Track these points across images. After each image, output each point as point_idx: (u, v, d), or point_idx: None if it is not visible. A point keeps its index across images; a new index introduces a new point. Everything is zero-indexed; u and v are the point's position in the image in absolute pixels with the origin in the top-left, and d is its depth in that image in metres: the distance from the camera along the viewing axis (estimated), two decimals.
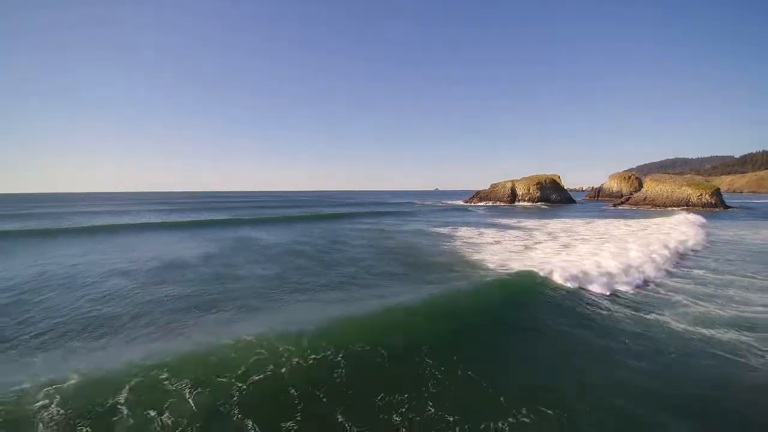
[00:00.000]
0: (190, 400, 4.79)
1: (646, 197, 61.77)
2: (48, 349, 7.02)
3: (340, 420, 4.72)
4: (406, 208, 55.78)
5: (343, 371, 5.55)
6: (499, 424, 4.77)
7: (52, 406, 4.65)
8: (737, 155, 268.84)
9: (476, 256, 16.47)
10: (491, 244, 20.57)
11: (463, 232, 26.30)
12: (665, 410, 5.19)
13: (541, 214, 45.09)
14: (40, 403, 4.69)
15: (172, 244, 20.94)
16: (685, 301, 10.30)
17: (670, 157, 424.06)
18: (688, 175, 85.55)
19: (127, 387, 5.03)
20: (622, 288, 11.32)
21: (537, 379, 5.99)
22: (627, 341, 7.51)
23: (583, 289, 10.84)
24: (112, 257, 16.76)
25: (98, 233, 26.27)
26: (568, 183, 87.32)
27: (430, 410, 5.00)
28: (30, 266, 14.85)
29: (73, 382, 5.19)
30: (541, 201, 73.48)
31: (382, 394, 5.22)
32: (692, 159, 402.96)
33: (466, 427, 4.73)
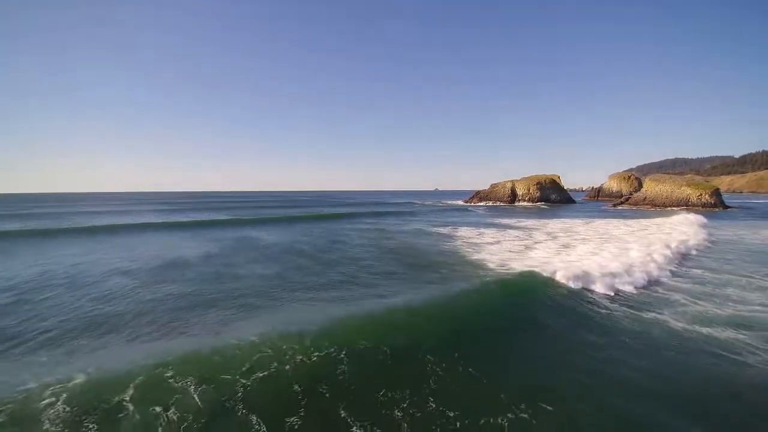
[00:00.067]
0: (195, 396, 4.87)
1: (645, 197, 61.87)
2: (52, 349, 7.08)
3: (342, 415, 4.81)
4: (406, 208, 55.86)
5: (346, 368, 5.64)
6: (499, 420, 4.85)
7: (59, 404, 4.71)
8: (737, 155, 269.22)
9: (476, 256, 16.57)
10: (491, 243, 20.67)
11: (463, 232, 26.39)
12: (662, 407, 5.28)
13: (540, 214, 45.18)
14: (47, 401, 4.75)
15: (173, 244, 21.02)
16: (684, 301, 10.39)
17: (670, 157, 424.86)
18: (688, 176, 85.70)
19: (133, 385, 5.10)
20: (622, 288, 11.38)
21: (537, 377, 6.08)
22: (626, 340, 7.59)
23: (583, 288, 10.92)
24: (113, 257, 16.84)
25: (99, 233, 26.34)
26: (568, 183, 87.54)
27: (431, 406, 5.09)
28: (31, 266, 14.92)
29: (78, 381, 5.26)
30: (540, 201, 73.59)
31: (383, 390, 5.31)
32: (692, 159, 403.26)
33: (466, 422, 4.82)
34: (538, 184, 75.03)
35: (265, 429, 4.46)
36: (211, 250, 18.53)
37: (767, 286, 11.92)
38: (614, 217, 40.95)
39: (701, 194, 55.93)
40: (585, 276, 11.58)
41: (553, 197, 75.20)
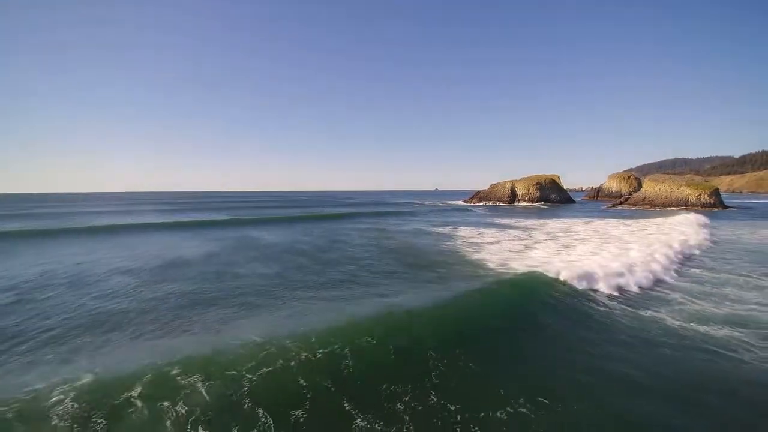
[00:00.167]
0: (202, 391, 4.99)
1: (645, 197, 62.01)
2: (57, 347, 7.15)
3: (347, 408, 4.95)
4: (406, 208, 55.99)
5: (350, 363, 5.77)
6: (498, 415, 4.98)
7: (67, 401, 4.78)
8: (737, 155, 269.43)
9: (476, 256, 16.69)
10: (491, 243, 20.78)
11: (463, 231, 26.51)
12: (660, 404, 5.38)
13: (540, 214, 45.31)
14: (55, 399, 4.82)
15: (174, 244, 21.13)
16: (682, 299, 10.51)
17: (670, 158, 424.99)
18: (688, 176, 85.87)
19: (139, 381, 5.19)
20: (622, 287, 11.44)
21: (536, 374, 6.20)
22: (625, 338, 7.69)
23: (583, 288, 11.01)
24: (115, 256, 16.94)
25: (99, 233, 26.41)
26: (568, 183, 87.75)
27: (432, 400, 5.23)
28: (33, 266, 15.00)
29: (84, 378, 5.35)
30: (540, 201, 73.74)
31: (386, 385, 5.44)
32: (692, 159, 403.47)
33: (466, 416, 4.95)
34: (537, 184, 75.18)
35: (271, 422, 4.58)
36: (212, 250, 18.64)
37: (764, 285, 12.05)
38: (614, 217, 41.09)
39: (700, 194, 56.08)
40: (585, 276, 11.68)
41: (552, 197, 75.36)
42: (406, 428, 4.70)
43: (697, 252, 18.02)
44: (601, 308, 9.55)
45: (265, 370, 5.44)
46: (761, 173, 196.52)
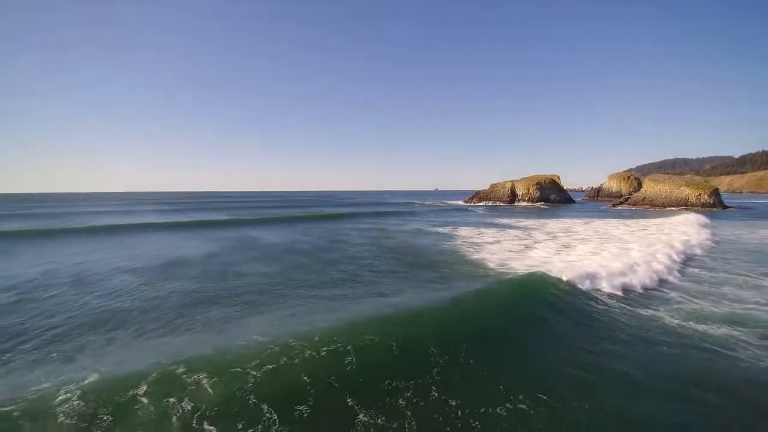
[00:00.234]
0: (207, 388, 5.07)
1: (645, 197, 62.11)
2: (63, 347, 7.20)
3: (350, 403, 5.04)
4: (406, 208, 56.09)
5: (353, 359, 5.85)
6: (498, 410, 5.08)
7: (74, 399, 4.83)
8: (737, 155, 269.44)
9: (476, 255, 16.77)
10: (491, 243, 20.87)
11: (463, 231, 26.60)
12: (658, 401, 5.47)
13: (540, 214, 45.42)
14: (62, 397, 4.87)
15: (175, 244, 21.21)
16: (681, 299, 10.61)
17: (670, 158, 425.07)
18: (688, 176, 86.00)
19: (144, 379, 5.25)
20: (622, 287, 11.47)
21: (536, 371, 6.28)
22: (625, 337, 7.76)
23: (583, 287, 11.02)
24: (116, 256, 17.02)
25: (100, 233, 26.49)
26: (568, 183, 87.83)
27: (434, 395, 5.33)
28: (34, 265, 15.06)
29: (90, 376, 5.41)
30: (540, 201, 73.84)
31: (388, 381, 5.53)
32: (692, 159, 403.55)
33: (467, 411, 5.04)
34: (537, 184, 75.28)
35: (276, 417, 4.67)
36: (212, 250, 18.73)
37: (763, 284, 12.13)
38: (613, 217, 41.18)
39: (700, 194, 56.18)
40: (585, 275, 11.71)
41: (552, 197, 75.46)
42: (408, 423, 4.79)
43: (698, 252, 18.03)
44: (601, 307, 9.63)
45: (269, 367, 5.52)
46: (761, 173, 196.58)
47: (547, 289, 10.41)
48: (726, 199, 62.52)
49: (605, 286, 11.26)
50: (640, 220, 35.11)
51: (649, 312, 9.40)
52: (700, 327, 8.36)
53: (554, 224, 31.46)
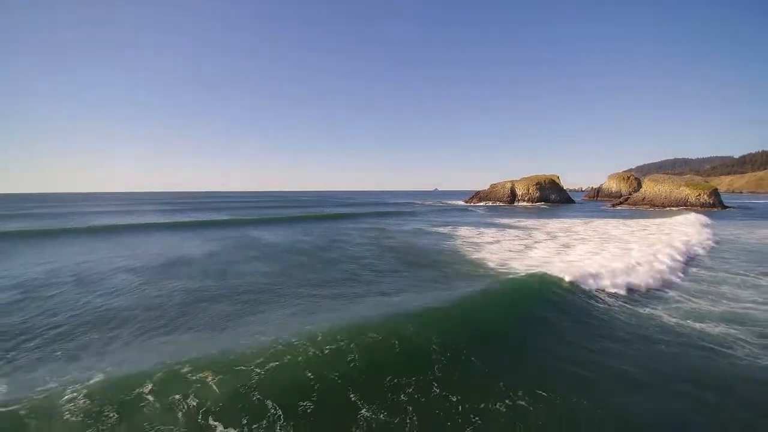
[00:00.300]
0: (212, 385, 5.16)
1: (644, 197, 62.21)
2: (68, 346, 7.23)
3: (353, 399, 5.14)
4: (406, 209, 56.17)
5: (356, 356, 5.96)
6: (497, 406, 5.18)
7: (80, 397, 4.91)
8: (737, 155, 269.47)
9: (477, 255, 16.85)
10: (491, 243, 20.95)
11: (464, 231, 26.68)
12: (656, 399, 5.55)
13: (540, 214, 45.50)
14: (68, 396, 4.93)
15: (176, 244, 21.29)
16: (679, 298, 10.68)
17: (670, 158, 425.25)
18: (687, 176, 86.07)
19: (151, 377, 5.33)
20: (622, 286, 11.49)
21: (536, 369, 6.37)
22: (624, 335, 7.83)
23: (583, 287, 11.04)
24: (118, 256, 17.08)
25: (101, 233, 26.53)
26: (568, 183, 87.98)
27: (435, 391, 5.43)
28: (36, 265, 15.09)
29: (95, 374, 5.50)
30: (540, 201, 73.93)
31: (390, 377, 5.63)
32: (692, 159, 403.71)
33: (467, 406, 5.14)
34: (537, 184, 75.37)
35: (280, 413, 4.76)
36: (213, 250, 18.81)
37: (761, 284, 12.21)
38: (613, 217, 41.26)
39: (700, 194, 56.27)
40: (586, 275, 11.75)
41: (552, 197, 75.56)
42: (410, 418, 4.88)
43: (698, 251, 18.01)
44: (601, 306, 9.71)
45: (272, 364, 5.61)
46: (761, 173, 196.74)
47: (546, 288, 10.49)
48: (726, 199, 62.62)
49: (605, 286, 11.30)
50: (640, 220, 35.20)
51: (649, 311, 9.48)
52: (699, 326, 8.44)
53: (554, 224, 31.55)
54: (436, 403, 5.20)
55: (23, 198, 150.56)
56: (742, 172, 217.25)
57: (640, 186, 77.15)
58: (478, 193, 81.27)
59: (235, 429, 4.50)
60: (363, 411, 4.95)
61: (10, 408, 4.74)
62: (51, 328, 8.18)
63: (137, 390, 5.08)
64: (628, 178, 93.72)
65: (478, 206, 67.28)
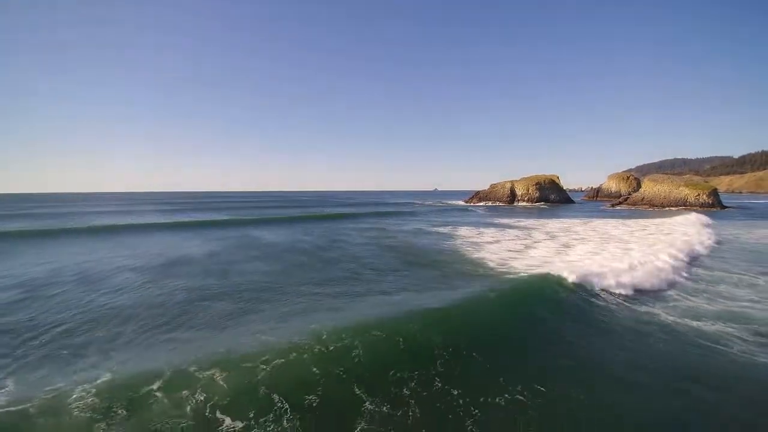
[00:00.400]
0: (219, 381, 5.30)
1: (644, 197, 62.36)
2: (74, 346, 7.27)
3: (357, 393, 5.30)
4: (406, 209, 56.29)
5: (360, 352, 6.13)
6: (497, 400, 5.34)
7: (88, 395, 5.01)
8: (736, 155, 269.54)
9: (476, 255, 16.97)
10: (491, 243, 21.06)
11: (464, 231, 26.80)
12: (654, 396, 5.67)
13: (540, 214, 45.63)
14: (77, 395, 5.03)
15: (177, 243, 21.38)
16: (678, 297, 10.81)
17: (670, 158, 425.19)
18: (687, 176, 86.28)
19: (159, 374, 5.46)
20: (620, 286, 11.53)
21: (536, 365, 6.53)
22: (624, 334, 7.98)
23: (583, 286, 11.12)
24: (118, 256, 17.14)
25: (102, 233, 26.58)
26: (568, 183, 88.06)
27: (437, 385, 5.59)
28: (37, 265, 15.12)
29: (103, 372, 5.62)
30: (540, 201, 74.08)
31: (393, 371, 5.79)
32: (691, 159, 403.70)
33: (468, 399, 5.30)
34: (537, 184, 75.52)
35: (287, 406, 4.91)
36: (214, 249, 18.91)
37: (758, 283, 12.35)
38: (612, 217, 41.38)
39: (699, 194, 56.43)
40: (585, 275, 11.81)
41: (552, 197, 75.71)
42: (412, 411, 5.04)
43: (698, 251, 17.99)
44: (600, 305, 9.83)
45: (279, 361, 5.76)
46: (761, 173, 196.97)
47: (546, 287, 10.61)
48: (725, 200, 62.79)
49: (605, 286, 11.36)
50: (639, 220, 35.34)
51: (648, 309, 9.61)
52: (696, 324, 8.57)
53: (554, 224, 31.68)
54: (438, 397, 5.36)
55: (23, 198, 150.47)
56: (742, 173, 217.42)
57: (639, 186, 77.27)
58: (478, 193, 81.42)
59: (243, 422, 4.64)
60: (367, 404, 5.10)
61: (21, 407, 4.82)
62: (56, 326, 8.26)
63: (146, 387, 5.19)
64: (628, 178, 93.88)
65: (478, 206, 67.43)
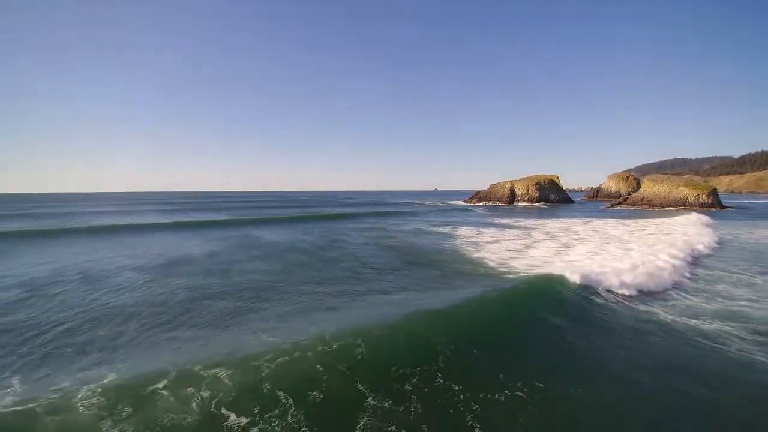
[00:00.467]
0: (224, 378, 5.39)
1: (643, 197, 62.47)
2: (78, 344, 7.33)
3: (360, 388, 5.41)
4: (406, 209, 56.40)
5: (363, 350, 6.24)
6: (496, 396, 5.45)
7: (95, 396, 5.04)
8: (736, 156, 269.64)
9: (476, 254, 17.07)
10: (491, 243, 21.15)
11: (463, 231, 26.90)
12: (653, 394, 5.75)
13: (539, 214, 45.74)
14: (83, 394, 5.07)
15: (177, 243, 21.47)
16: (677, 296, 10.89)
17: (669, 158, 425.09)
18: (687, 176, 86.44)
19: (163, 373, 5.52)
20: (620, 286, 11.54)
21: (535, 363, 6.61)
22: (623, 333, 8.07)
23: (582, 286, 11.15)
24: (118, 256, 17.21)
25: (102, 233, 26.62)
26: (568, 183, 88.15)
27: (438, 381, 5.71)
28: (37, 265, 15.16)
29: (112, 375, 5.63)
30: (540, 201, 74.18)
31: (396, 368, 5.90)
32: (691, 159, 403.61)
33: (468, 395, 5.41)
34: (537, 184, 75.63)
35: (291, 402, 5.02)
36: (215, 249, 19.00)
37: (756, 282, 12.43)
38: (612, 217, 41.47)
39: (698, 194, 56.55)
40: (585, 275, 11.83)
41: (552, 197, 75.82)
42: (414, 406, 5.14)
43: (699, 251, 18.00)
44: (601, 304, 9.90)
45: (282, 359, 5.85)
46: (760, 173, 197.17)
47: (546, 287, 10.68)
48: (725, 200, 62.91)
49: (605, 285, 11.40)
50: (639, 220, 35.42)
51: (647, 309, 9.69)
52: (695, 323, 8.64)
53: (553, 224, 31.78)
54: (440, 392, 5.47)
55: (23, 198, 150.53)
56: (742, 173, 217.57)
57: (639, 186, 77.36)
58: (477, 193, 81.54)
59: (248, 418, 4.73)
60: (369, 400, 5.20)
61: (28, 406, 4.86)
62: (58, 325, 8.32)
63: (151, 386, 5.25)
64: (628, 178, 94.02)
65: (478, 206, 67.54)
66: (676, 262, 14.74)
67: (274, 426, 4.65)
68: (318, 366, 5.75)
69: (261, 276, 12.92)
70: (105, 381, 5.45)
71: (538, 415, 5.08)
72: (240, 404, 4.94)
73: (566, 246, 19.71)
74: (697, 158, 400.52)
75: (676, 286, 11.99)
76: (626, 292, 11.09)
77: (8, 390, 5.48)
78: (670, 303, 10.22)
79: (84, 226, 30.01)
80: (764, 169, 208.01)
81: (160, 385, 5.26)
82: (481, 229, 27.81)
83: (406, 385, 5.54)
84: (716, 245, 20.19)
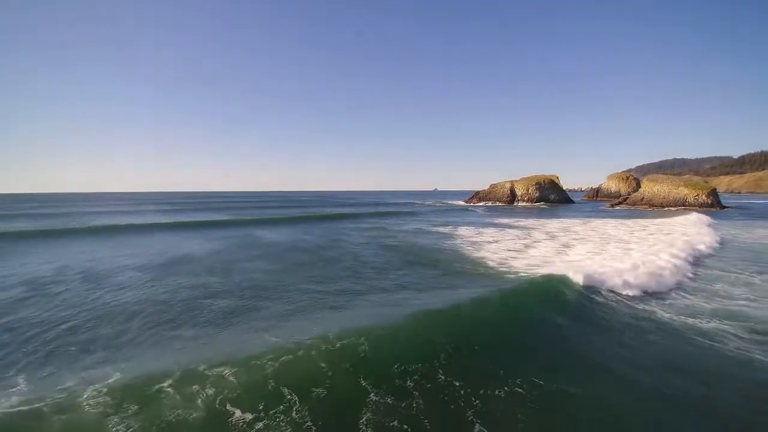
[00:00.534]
0: (228, 376, 5.47)
1: (643, 197, 62.56)
2: (82, 343, 7.38)
3: (363, 385, 5.51)
4: (406, 209, 56.47)
5: (366, 348, 6.33)
6: (496, 392, 5.56)
7: (100, 395, 5.10)
8: (736, 156, 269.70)
9: (476, 254, 17.14)
10: (491, 242, 21.23)
11: (463, 231, 26.97)
12: (652, 393, 5.82)
13: (539, 214, 45.82)
14: (89, 393, 5.12)
15: (179, 243, 21.53)
16: (676, 295, 10.97)
17: (669, 158, 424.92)
18: (686, 176, 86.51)
19: (168, 371, 5.59)
20: (620, 286, 11.55)
21: (535, 360, 6.69)
22: (623, 331, 8.13)
23: (581, 286, 11.21)
24: (119, 255, 17.29)
25: (103, 233, 26.64)
26: (567, 183, 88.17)
27: (440, 378, 5.80)
28: (37, 265, 15.20)
29: (117, 374, 5.69)
30: (540, 201, 74.28)
31: (398, 364, 6.00)
32: (691, 159, 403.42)
33: (469, 391, 5.51)
34: (537, 184, 75.73)
35: (296, 398, 5.11)
36: (216, 249, 19.06)
37: (754, 282, 12.51)
38: (612, 217, 41.54)
39: (698, 194, 56.64)
40: (585, 275, 11.85)
41: (551, 197, 75.92)
42: (416, 402, 5.24)
43: (703, 251, 18.01)
44: (601, 303, 9.96)
45: (286, 357, 5.95)
46: (760, 174, 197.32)
47: (546, 287, 10.74)
48: (724, 200, 63.02)
49: (605, 285, 11.46)
50: (639, 220, 35.50)
51: (647, 308, 9.76)
52: (693, 321, 8.72)
53: (553, 224, 31.85)
54: (441, 388, 5.58)
55: (23, 198, 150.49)
56: (741, 173, 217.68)
57: (639, 186, 77.42)
58: (477, 193, 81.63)
59: (253, 414, 4.81)
60: (372, 396, 5.30)
61: (34, 406, 4.90)
62: (62, 324, 8.37)
63: (156, 384, 5.31)
64: (627, 178, 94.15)
65: (478, 206, 67.63)
66: (677, 262, 14.80)
67: (279, 421, 4.74)
68: (321, 364, 5.84)
69: (262, 275, 13.00)
70: (110, 380, 5.49)
71: (538, 412, 5.16)
72: (245, 401, 5.03)
73: (566, 246, 19.79)
74: (697, 158, 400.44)
75: (677, 285, 12.06)
76: (627, 292, 11.14)
77: (14, 389, 5.52)
78: (669, 302, 10.30)
79: (84, 226, 30.04)
80: (764, 169, 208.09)
81: (165, 384, 5.30)
82: (481, 229, 27.88)
83: (408, 382, 5.63)
84: (716, 245, 20.25)
